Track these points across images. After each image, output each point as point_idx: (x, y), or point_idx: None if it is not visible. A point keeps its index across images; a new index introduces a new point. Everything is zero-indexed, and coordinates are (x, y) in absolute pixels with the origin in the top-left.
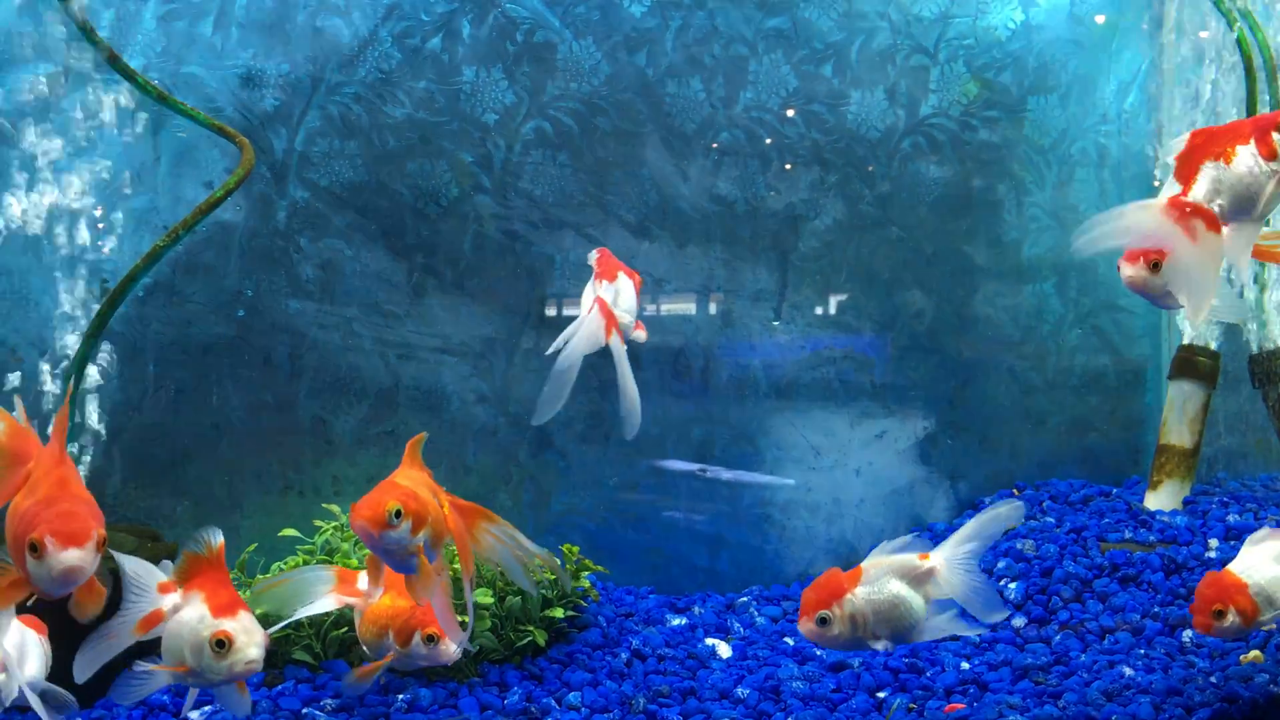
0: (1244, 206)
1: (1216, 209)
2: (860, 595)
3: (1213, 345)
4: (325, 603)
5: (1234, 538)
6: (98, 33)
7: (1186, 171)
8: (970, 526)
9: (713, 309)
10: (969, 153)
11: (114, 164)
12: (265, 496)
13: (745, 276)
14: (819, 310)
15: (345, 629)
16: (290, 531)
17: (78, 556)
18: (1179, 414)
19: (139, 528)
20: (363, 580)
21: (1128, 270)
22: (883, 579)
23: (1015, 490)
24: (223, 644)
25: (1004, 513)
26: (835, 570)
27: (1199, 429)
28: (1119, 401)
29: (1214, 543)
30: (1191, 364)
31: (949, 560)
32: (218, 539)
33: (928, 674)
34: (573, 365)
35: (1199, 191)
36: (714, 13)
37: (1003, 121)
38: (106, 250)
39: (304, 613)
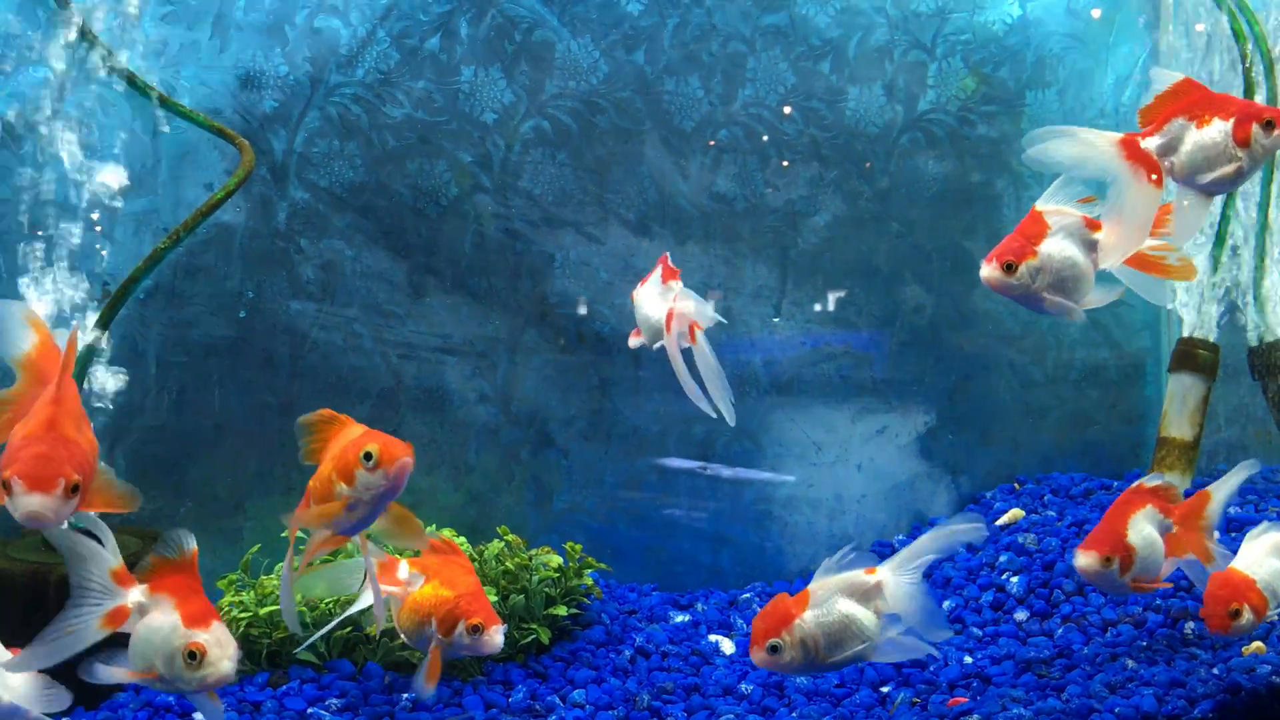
0: (1190, 175)
1: (1166, 165)
2: (809, 619)
3: (1212, 338)
4: (368, 596)
5: (1235, 530)
6: (96, 35)
7: (1158, 114)
8: (923, 541)
9: (712, 306)
10: (967, 148)
11: (113, 167)
12: (268, 498)
13: (745, 273)
14: (819, 306)
15: (349, 629)
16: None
17: (39, 502)
18: (1179, 407)
19: (142, 529)
20: (402, 569)
21: (984, 270)
22: (831, 600)
23: (1016, 484)
24: (195, 655)
25: (963, 530)
26: (783, 595)
27: (1199, 422)
28: (1119, 395)
29: (1215, 535)
30: (1191, 357)
31: (896, 574)
32: (191, 544)
33: (931, 668)
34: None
35: (1158, 138)
36: (711, 10)
37: (1001, 116)
38: (107, 253)
39: (354, 609)
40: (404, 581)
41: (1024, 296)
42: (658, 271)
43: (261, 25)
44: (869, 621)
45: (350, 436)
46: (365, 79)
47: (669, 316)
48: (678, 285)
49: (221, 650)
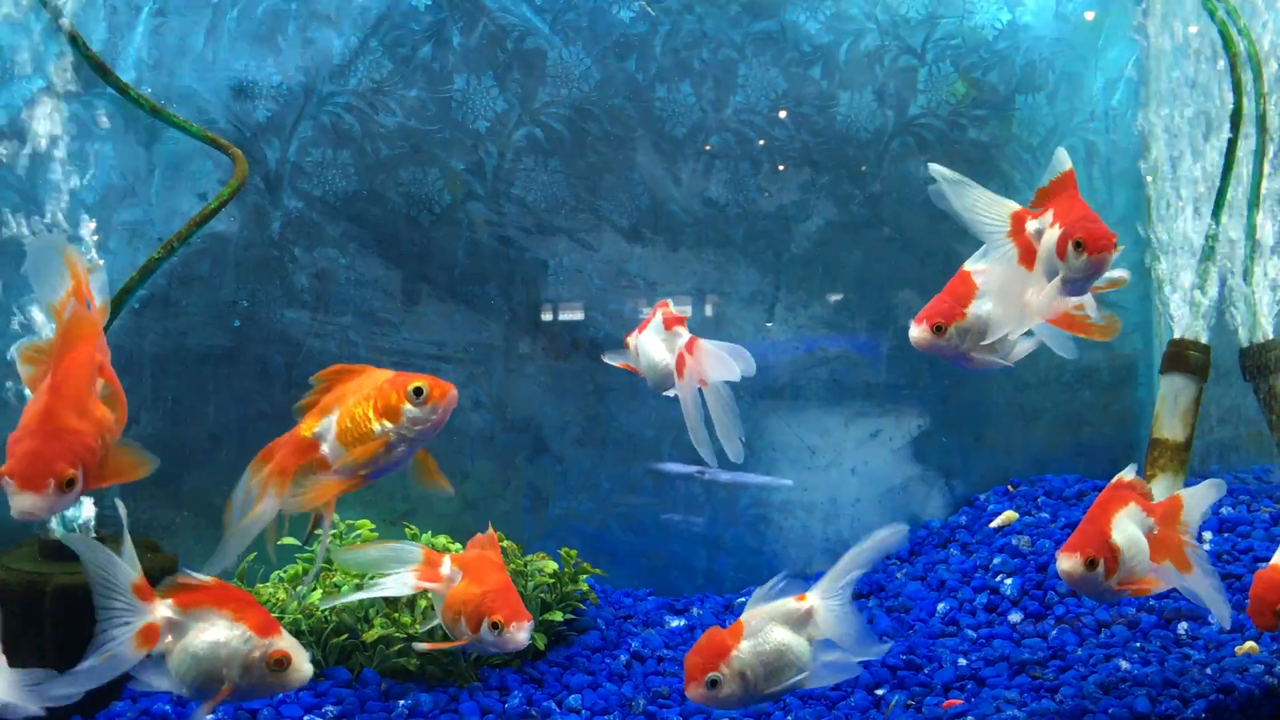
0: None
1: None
2: (745, 650)
3: (1203, 339)
4: (404, 584)
5: (1228, 530)
6: (89, 46)
7: (1045, 199)
8: (847, 558)
9: (706, 312)
10: (958, 152)
11: (107, 177)
12: None
13: (738, 279)
14: (812, 311)
15: (345, 636)
16: (289, 540)
17: (30, 503)
18: (1171, 408)
19: (138, 539)
20: (446, 566)
21: (913, 331)
22: (765, 629)
23: (1010, 486)
24: (283, 663)
25: (883, 538)
26: (715, 629)
27: (1191, 422)
28: (1111, 396)
29: (1208, 535)
30: (1183, 358)
31: (824, 599)
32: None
33: (925, 670)
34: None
35: (1036, 224)
36: (702, 17)
37: (991, 120)
38: (101, 263)
39: (382, 592)
40: (445, 578)
41: (951, 355)
42: (658, 317)
43: (254, 35)
44: (802, 649)
45: (374, 380)
46: (358, 88)
47: (679, 363)
48: (685, 332)
49: (300, 654)
